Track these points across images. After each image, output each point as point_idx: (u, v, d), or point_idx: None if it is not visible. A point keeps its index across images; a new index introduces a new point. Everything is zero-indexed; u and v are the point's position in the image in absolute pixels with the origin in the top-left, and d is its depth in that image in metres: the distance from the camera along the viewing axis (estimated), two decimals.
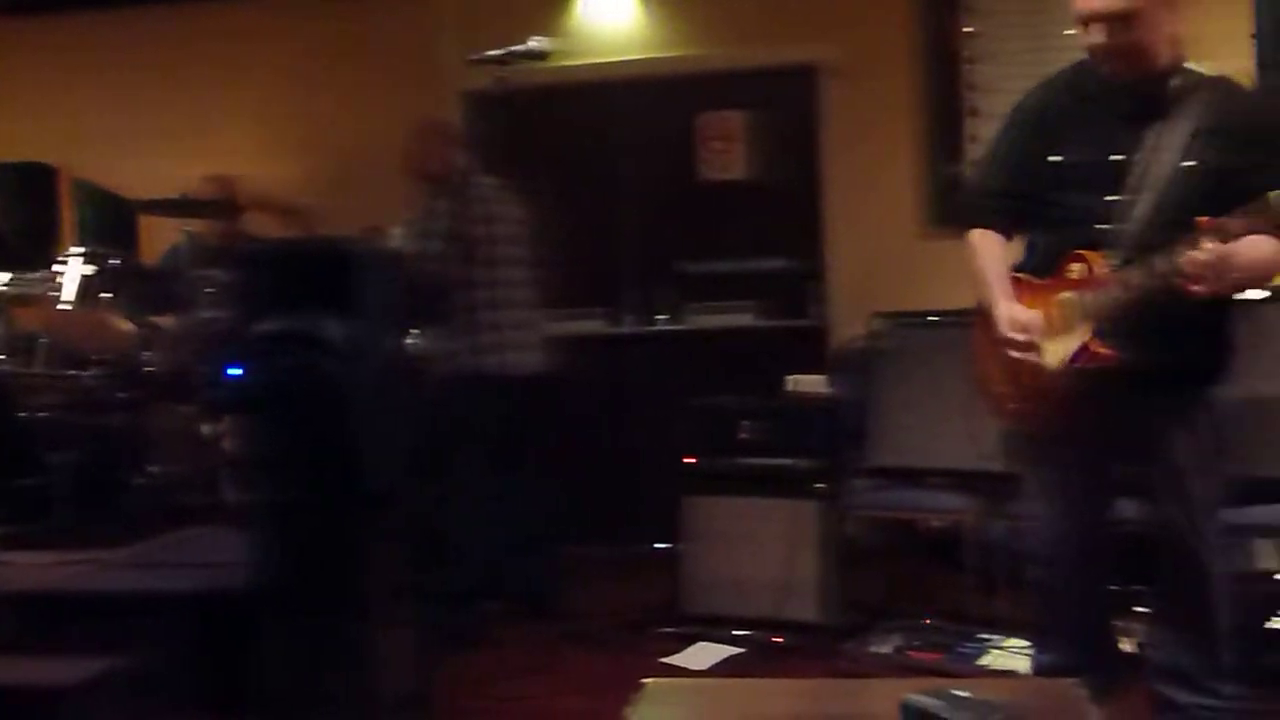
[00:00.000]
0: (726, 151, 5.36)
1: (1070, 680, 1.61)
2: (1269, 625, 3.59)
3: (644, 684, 1.64)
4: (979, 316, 2.93)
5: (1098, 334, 2.59)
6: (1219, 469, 2.77)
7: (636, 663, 3.79)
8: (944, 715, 1.41)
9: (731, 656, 3.82)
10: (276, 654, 3.02)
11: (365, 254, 3.37)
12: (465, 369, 3.95)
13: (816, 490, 4.00)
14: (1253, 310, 3.44)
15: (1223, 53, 4.74)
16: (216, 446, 4.20)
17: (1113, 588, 3.05)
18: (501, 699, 3.50)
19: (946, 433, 3.86)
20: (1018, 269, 2.83)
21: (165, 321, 4.34)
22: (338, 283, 3.24)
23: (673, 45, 5.32)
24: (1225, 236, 2.38)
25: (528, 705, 3.49)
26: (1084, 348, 2.61)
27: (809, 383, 4.30)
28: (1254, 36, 4.82)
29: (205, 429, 4.27)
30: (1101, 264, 2.59)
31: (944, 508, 3.91)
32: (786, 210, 5.32)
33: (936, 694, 1.46)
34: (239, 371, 3.26)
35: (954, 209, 4.84)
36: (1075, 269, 2.64)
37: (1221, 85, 2.66)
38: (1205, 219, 2.40)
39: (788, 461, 4.07)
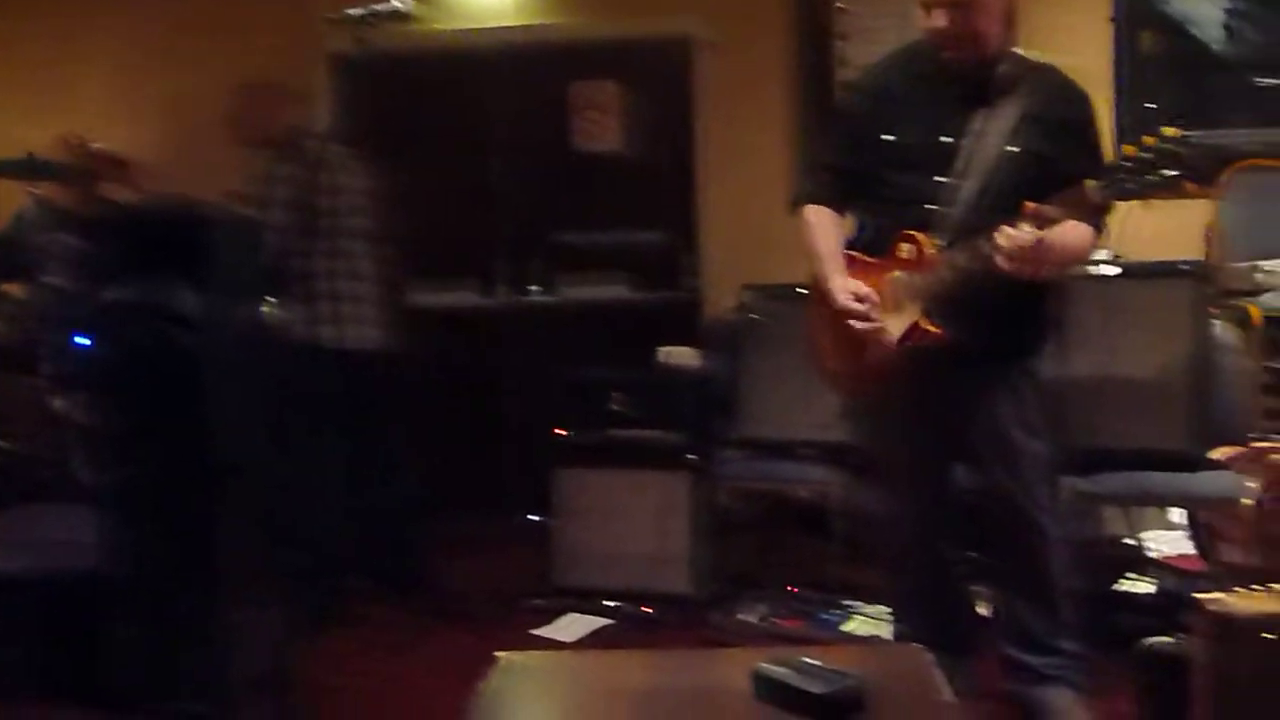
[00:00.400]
0: (600, 122, 5.32)
1: (921, 646, 1.64)
2: (1116, 588, 3.75)
3: (498, 658, 1.62)
4: (813, 293, 2.98)
5: (926, 313, 2.66)
6: (1046, 437, 2.89)
7: (505, 637, 3.76)
8: (793, 684, 1.42)
9: (601, 628, 3.83)
10: (128, 636, 2.92)
11: (221, 220, 3.25)
12: (301, 341, 3.83)
13: (687, 462, 4.02)
14: (1100, 288, 3.57)
15: (1081, 39, 4.94)
16: (67, 420, 4.02)
17: (970, 555, 3.15)
18: (364, 677, 3.44)
19: (814, 405, 3.90)
20: (850, 246, 2.89)
21: (11, 290, 4.14)
22: (192, 250, 3.12)
23: (547, 13, 5.24)
24: (1043, 222, 2.48)
25: (391, 683, 3.44)
26: (914, 326, 2.69)
27: (681, 355, 4.31)
28: (1112, 20, 4.98)
29: (56, 402, 4.09)
30: (930, 245, 2.67)
31: (811, 479, 3.96)
32: (660, 182, 5.31)
33: (787, 663, 1.47)
34: (88, 342, 3.13)
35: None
36: (905, 249, 2.72)
37: (1045, 73, 2.78)
38: (1029, 204, 2.50)
39: (659, 434, 4.08)
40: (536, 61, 5.30)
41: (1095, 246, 2.77)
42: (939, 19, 2.65)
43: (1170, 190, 2.46)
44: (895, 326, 2.74)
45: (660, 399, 4.10)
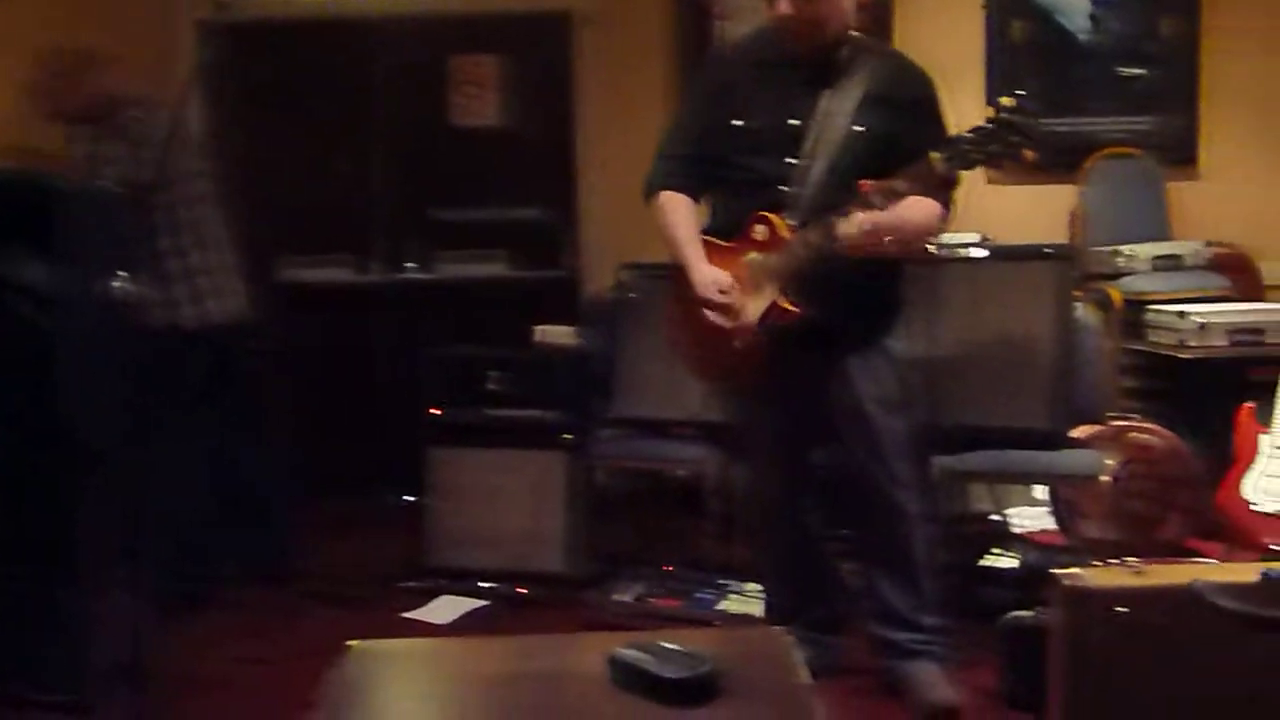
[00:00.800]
0: (480, 97, 5.23)
1: (781, 628, 1.63)
2: (982, 563, 3.84)
3: (349, 646, 1.57)
4: (671, 280, 3.00)
5: (783, 292, 2.69)
6: (905, 415, 2.94)
7: (378, 619, 3.70)
8: (648, 668, 1.40)
9: (475, 610, 3.78)
10: None
11: (73, 191, 3.11)
12: (162, 325, 3.67)
13: (563, 441, 3.99)
14: (967, 270, 3.64)
15: (954, 26, 5.02)
16: None
17: (837, 533, 3.19)
18: (229, 663, 3.34)
19: (691, 384, 3.88)
20: (705, 232, 2.91)
21: None
22: (42, 221, 2.98)
23: None
24: (880, 202, 2.54)
25: (258, 668, 3.35)
26: (772, 306, 2.73)
27: (558, 334, 4.27)
28: (984, 8, 5.07)
29: None
30: (783, 225, 2.71)
31: (688, 458, 3.96)
32: (540, 159, 5.26)
33: (644, 647, 1.45)
34: None
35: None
36: (759, 230, 2.77)
37: (885, 55, 2.90)
38: (864, 183, 2.58)
39: (535, 413, 4.04)
40: (415, 34, 5.19)
41: (944, 222, 2.81)
42: (784, 6, 2.72)
43: (1011, 158, 2.53)
44: (754, 308, 2.78)
45: (537, 378, 4.06)
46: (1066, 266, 3.64)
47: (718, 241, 2.87)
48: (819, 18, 2.73)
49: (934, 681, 2.94)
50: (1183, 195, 5.03)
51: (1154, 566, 2.22)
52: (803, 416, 2.97)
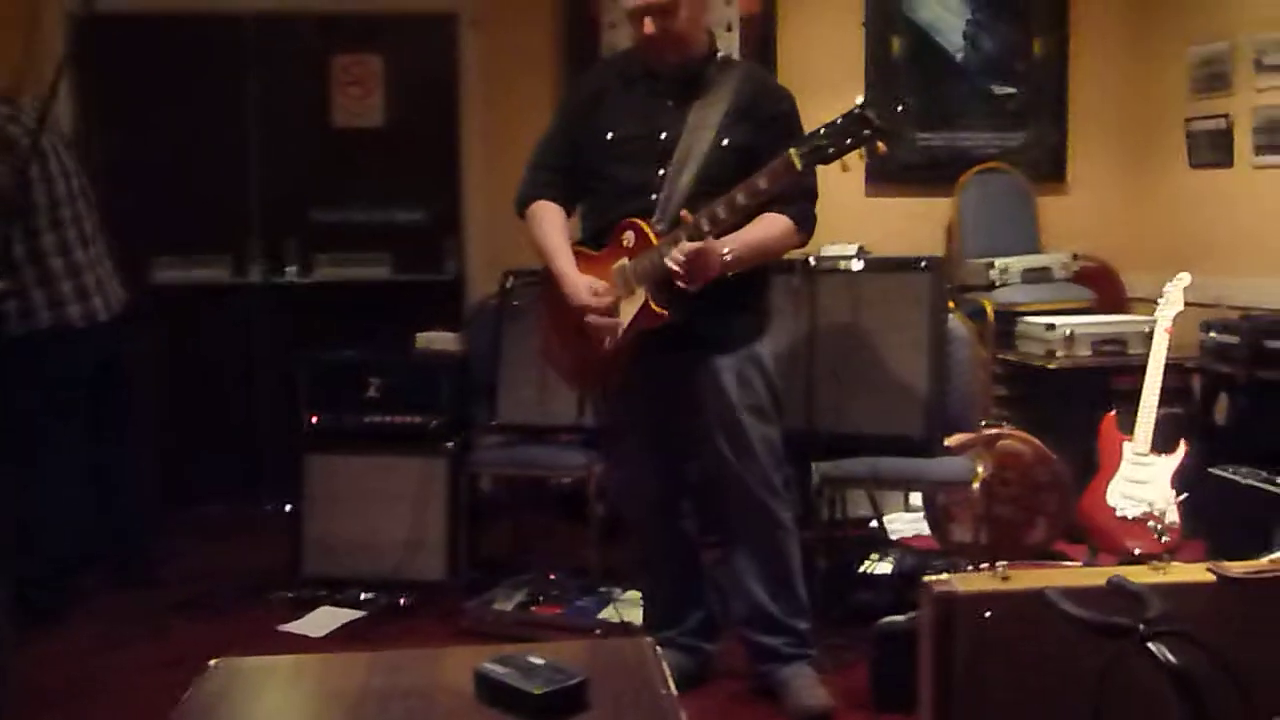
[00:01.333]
0: (363, 97, 5.15)
1: (650, 636, 1.63)
2: (860, 568, 3.90)
3: (209, 666, 1.52)
4: (541, 288, 3.02)
5: (653, 297, 2.73)
6: (776, 421, 2.99)
7: (252, 630, 3.61)
8: (513, 683, 1.38)
9: (353, 620, 3.71)
10: None
11: None
12: (44, 325, 3.55)
13: (444, 448, 3.94)
14: (845, 280, 3.70)
15: (835, 42, 5.11)
16: None
17: (709, 540, 3.20)
18: (91, 675, 3.22)
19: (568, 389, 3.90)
20: (576, 242, 2.97)
21: None
22: None
23: None
24: (705, 229, 2.62)
25: (121, 680, 3.23)
26: (643, 309, 2.78)
27: (441, 339, 4.23)
28: (864, 25, 5.17)
29: None
30: (649, 231, 2.78)
31: (569, 464, 3.94)
32: (424, 161, 5.19)
33: (509, 660, 1.43)
34: None
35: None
36: (627, 236, 2.82)
37: (747, 71, 2.98)
38: (684, 213, 2.68)
39: (416, 419, 3.99)
40: (296, 32, 5.08)
41: (802, 234, 2.88)
42: (647, 26, 2.80)
43: (866, 150, 2.59)
44: (625, 313, 2.82)
45: (417, 383, 4.01)
46: (940, 278, 3.73)
47: (588, 250, 2.93)
48: (681, 35, 2.83)
49: (808, 685, 2.97)
50: (1052, 209, 5.20)
51: (1018, 571, 2.28)
52: (674, 421, 3.00)
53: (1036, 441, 4.12)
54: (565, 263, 2.89)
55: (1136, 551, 3.66)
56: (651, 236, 2.77)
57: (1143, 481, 3.82)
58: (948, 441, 3.73)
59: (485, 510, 4.43)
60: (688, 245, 2.64)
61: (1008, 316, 4.68)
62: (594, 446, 3.89)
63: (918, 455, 3.57)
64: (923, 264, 3.71)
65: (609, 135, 2.90)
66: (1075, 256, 4.89)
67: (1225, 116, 4.64)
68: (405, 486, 3.93)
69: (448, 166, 5.14)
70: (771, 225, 2.81)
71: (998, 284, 4.75)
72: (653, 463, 3.03)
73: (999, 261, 4.77)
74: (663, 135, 2.85)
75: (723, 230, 2.69)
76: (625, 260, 2.82)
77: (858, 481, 3.65)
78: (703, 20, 2.91)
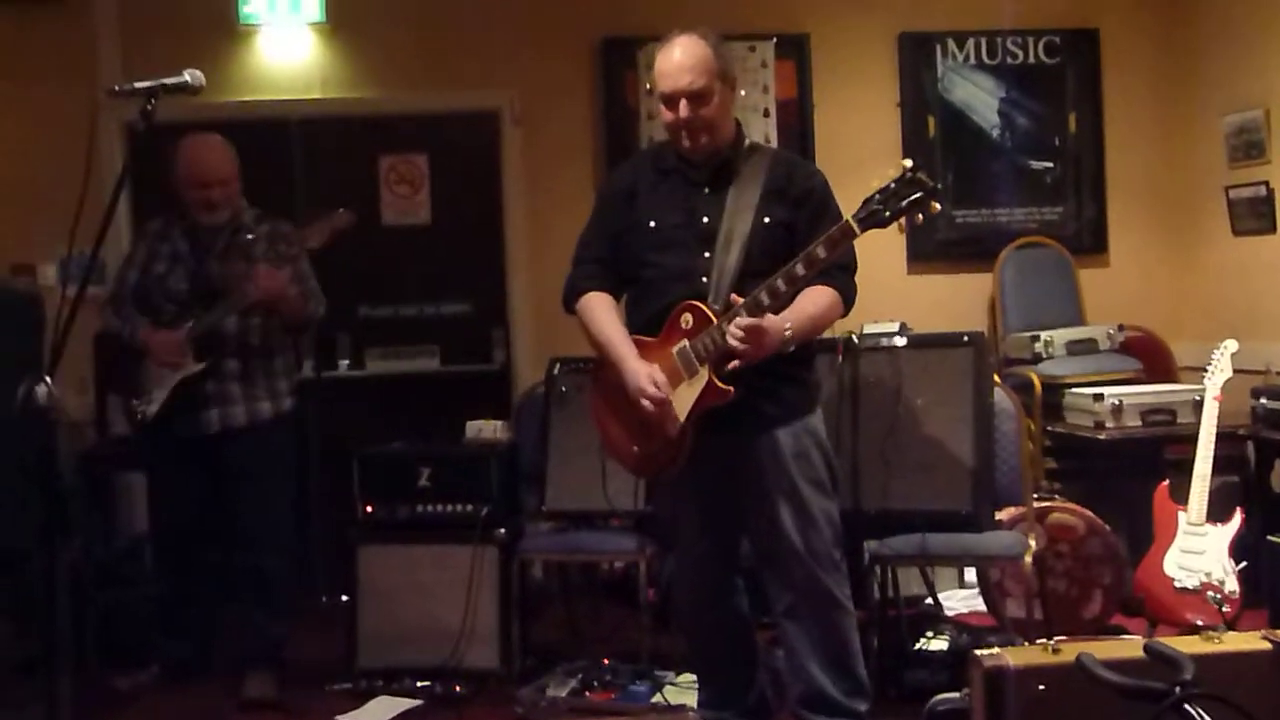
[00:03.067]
0: (410, 195, 5.31)
1: (709, 713, 1.66)
2: (915, 646, 3.88)
3: None
4: (596, 380, 3.11)
5: (717, 374, 2.81)
6: (831, 494, 3.04)
7: None
8: None
9: (409, 710, 3.73)
10: None
11: None
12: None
13: (495, 536, 3.97)
14: (889, 357, 3.73)
15: (873, 121, 5.21)
16: None
17: (763, 620, 3.21)
18: None
19: (621, 475, 3.91)
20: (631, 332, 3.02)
21: None
22: None
23: (354, 87, 5.23)
24: (762, 305, 2.73)
25: None
26: (709, 387, 2.83)
27: (490, 428, 4.29)
28: (900, 105, 5.27)
29: None
30: (709, 312, 2.85)
31: (620, 549, 3.98)
32: (470, 255, 5.33)
33: None
34: None
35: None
36: (685, 319, 2.89)
37: (776, 154, 3.10)
38: (734, 297, 2.78)
39: (467, 508, 4.02)
40: (344, 135, 5.27)
41: (845, 306, 2.95)
42: (682, 110, 2.89)
43: (919, 211, 2.70)
44: (687, 396, 2.85)
45: (468, 473, 4.05)
46: (984, 352, 3.75)
47: (643, 338, 2.98)
48: (712, 121, 2.93)
49: None
50: (1094, 281, 5.22)
51: (1071, 645, 2.28)
52: (729, 501, 3.03)
53: (1089, 513, 4.10)
54: (626, 349, 2.95)
55: (1198, 623, 3.61)
56: (711, 315, 2.84)
57: (1199, 552, 3.79)
58: (998, 515, 3.73)
59: (537, 597, 4.46)
60: (746, 320, 2.71)
61: (1054, 389, 4.68)
62: (643, 530, 3.93)
63: (967, 530, 3.57)
64: (965, 339, 3.74)
65: (651, 224, 2.99)
66: (1120, 327, 4.90)
67: (1265, 183, 4.67)
68: (457, 575, 3.95)
69: (493, 259, 5.27)
70: (820, 297, 2.88)
71: (1043, 357, 4.77)
72: (709, 544, 3.06)
73: (1044, 334, 4.80)
74: (704, 220, 2.94)
75: (780, 304, 2.77)
76: (685, 342, 2.87)
77: (908, 559, 3.65)
78: (731, 108, 3.01)
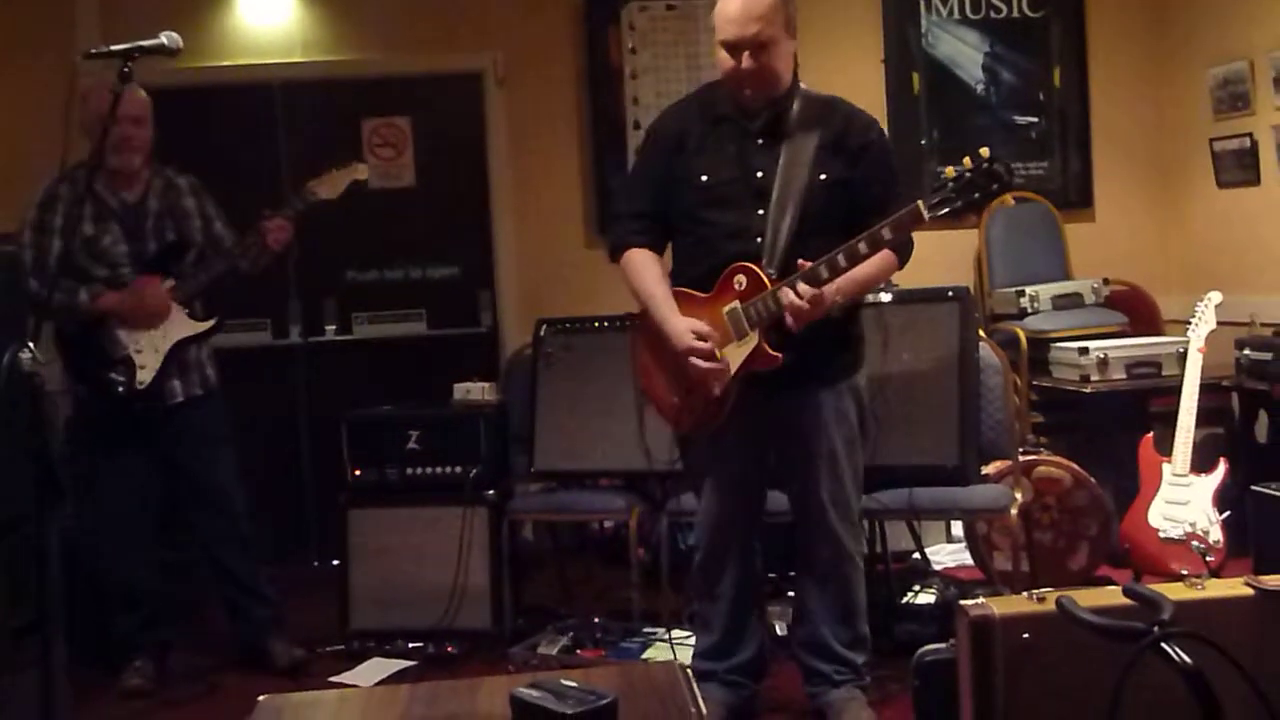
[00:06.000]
0: (394, 158, 5.28)
1: (679, 663, 1.67)
2: (904, 601, 3.91)
3: (258, 701, 1.58)
4: (640, 333, 3.06)
5: (767, 339, 2.78)
6: (861, 449, 3.06)
7: (305, 684, 3.66)
8: (548, 705, 1.43)
9: (402, 670, 3.76)
10: None
11: None
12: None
13: (485, 498, 4.00)
14: (875, 313, 3.73)
15: (856, 78, 5.18)
16: None
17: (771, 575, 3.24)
18: None
19: (612, 435, 3.95)
20: (674, 285, 2.98)
21: None
22: None
23: (337, 49, 5.18)
24: (821, 279, 2.65)
25: None
26: (757, 351, 2.80)
27: (478, 390, 4.30)
28: (884, 62, 5.24)
29: None
30: (763, 275, 2.79)
31: (610, 509, 4.00)
32: (455, 218, 5.31)
33: (544, 685, 1.48)
34: None
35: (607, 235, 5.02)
36: (739, 280, 2.83)
37: (833, 103, 2.99)
38: (802, 261, 2.71)
39: (456, 469, 4.04)
40: (326, 98, 5.23)
41: (900, 260, 2.92)
42: (744, 61, 2.81)
43: (989, 201, 2.69)
44: (735, 356, 2.85)
45: (457, 435, 4.07)
46: (969, 307, 3.76)
47: (694, 293, 2.93)
48: (770, 70, 2.84)
49: (855, 709, 3.00)
50: (1080, 236, 5.22)
51: (1056, 595, 2.29)
52: (763, 458, 3.05)
53: (1074, 466, 4.12)
54: (668, 309, 2.91)
55: (1184, 573, 3.64)
56: (765, 280, 2.79)
57: (1183, 502, 3.82)
58: (985, 470, 3.75)
59: (527, 558, 4.48)
60: (807, 290, 2.68)
61: (1040, 344, 4.70)
62: (633, 490, 3.95)
63: (954, 485, 3.59)
64: (951, 294, 3.74)
65: (703, 179, 2.91)
66: (1106, 281, 4.90)
67: (1249, 135, 4.66)
68: (448, 537, 3.97)
69: (479, 222, 5.26)
70: (882, 263, 2.84)
71: (1029, 312, 4.78)
72: (737, 500, 3.06)
73: (1029, 289, 4.80)
74: (758, 175, 2.87)
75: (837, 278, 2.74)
76: (737, 303, 2.84)
77: (895, 513, 3.67)
78: (791, 56, 2.91)
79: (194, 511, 3.82)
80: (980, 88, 5.26)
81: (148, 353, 3.63)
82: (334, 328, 5.25)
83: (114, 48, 2.65)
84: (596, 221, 5.19)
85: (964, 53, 5.26)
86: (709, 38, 5.20)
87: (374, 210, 5.23)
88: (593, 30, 5.17)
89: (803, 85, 2.97)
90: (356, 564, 4.06)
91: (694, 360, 2.84)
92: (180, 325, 3.67)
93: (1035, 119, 5.28)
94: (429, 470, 4.06)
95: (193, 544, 3.90)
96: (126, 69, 2.62)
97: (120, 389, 3.58)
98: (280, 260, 3.87)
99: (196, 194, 3.84)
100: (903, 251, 2.89)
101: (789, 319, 2.72)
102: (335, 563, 4.19)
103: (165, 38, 2.70)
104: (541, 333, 4.17)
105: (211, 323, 3.72)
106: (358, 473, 4.10)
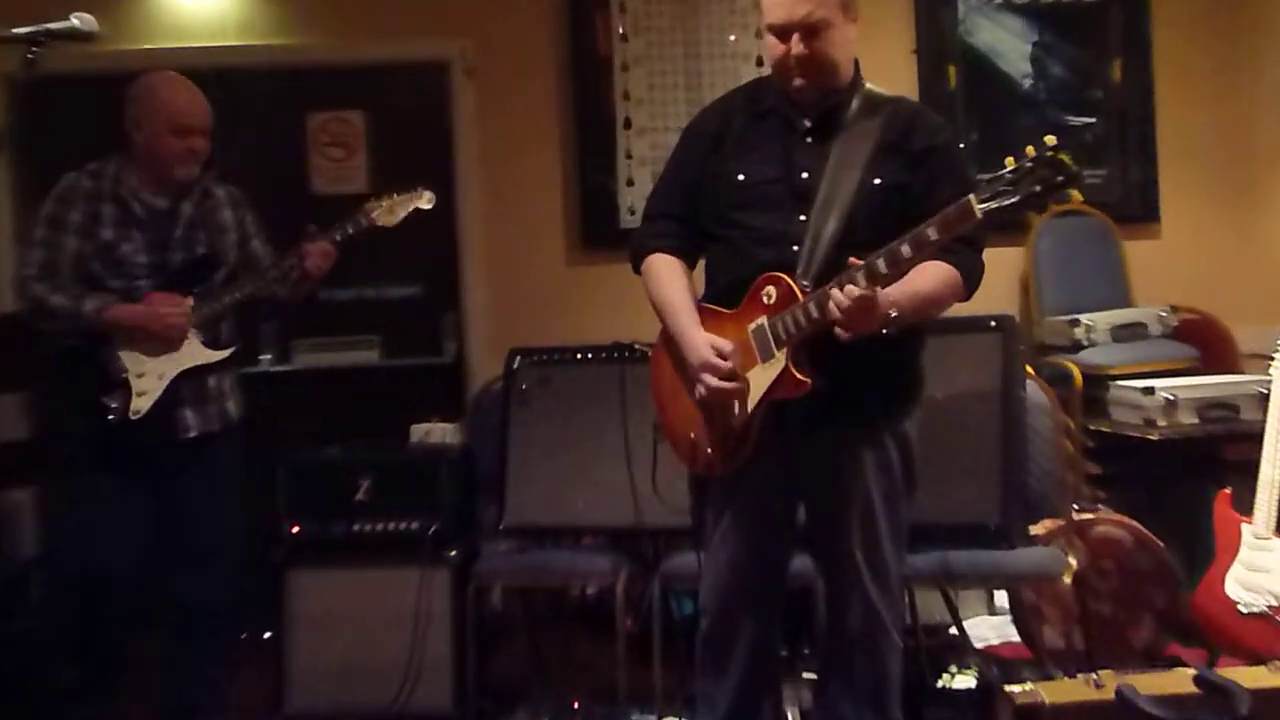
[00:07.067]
0: (344, 159, 5.28)
1: None
2: (939, 683, 3.89)
3: None
4: (660, 351, 3.07)
5: (796, 361, 2.74)
6: (904, 509, 3.01)
7: None
8: None
9: None
10: None
11: None
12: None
13: (447, 557, 3.99)
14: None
15: (884, 72, 5.19)
16: None
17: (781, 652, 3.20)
18: None
19: (597, 484, 3.95)
20: (703, 300, 2.99)
21: None
22: None
23: (279, 32, 5.19)
24: (874, 278, 2.61)
25: None
26: (783, 375, 2.76)
27: (439, 431, 4.29)
28: (915, 53, 5.27)
29: None
30: (795, 287, 2.76)
31: (594, 570, 3.97)
32: (416, 229, 5.24)
33: None
34: None
35: (610, 234, 5.02)
36: (767, 292, 2.81)
37: (899, 103, 2.99)
38: (854, 259, 2.65)
39: (413, 524, 4.03)
40: (267, 89, 5.24)
41: (968, 286, 2.88)
42: (794, 46, 2.82)
43: (1056, 199, 2.59)
44: (760, 381, 2.82)
45: (415, 483, 4.06)
46: (1014, 339, 3.75)
47: (719, 309, 2.93)
48: (830, 60, 2.85)
49: None
50: (1142, 255, 5.22)
51: (1116, 678, 2.27)
52: (793, 513, 3.02)
53: (1137, 525, 4.11)
54: (687, 320, 2.91)
55: (1266, 653, 3.62)
56: (798, 292, 2.77)
57: (1266, 570, 3.80)
58: (1032, 529, 3.73)
59: (496, 627, 4.45)
60: (858, 291, 2.61)
61: (1097, 381, 4.69)
62: (621, 549, 3.93)
63: (996, 546, 3.58)
64: (993, 323, 3.74)
65: (739, 177, 2.92)
66: (1173, 309, 4.90)
67: None
68: (403, 603, 3.96)
69: (443, 234, 5.23)
70: (937, 276, 2.79)
71: (1084, 344, 4.77)
72: (757, 556, 3.02)
73: (1084, 318, 4.80)
74: (803, 175, 2.87)
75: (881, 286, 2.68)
76: (764, 319, 2.82)
77: (927, 580, 3.65)
78: (851, 45, 2.92)
79: (179, 565, 3.75)
80: (1026, 83, 5.28)
81: (150, 378, 3.61)
82: (269, 356, 5.24)
83: (16, 31, 2.65)
84: (580, 234, 5.19)
85: (1007, 42, 5.28)
86: (712, 22, 5.27)
87: (320, 219, 5.20)
88: (577, 14, 5.19)
89: (868, 84, 2.98)
90: (294, 634, 4.05)
91: (705, 377, 2.83)
92: (192, 352, 3.66)
93: (1091, 119, 5.29)
94: (380, 525, 4.05)
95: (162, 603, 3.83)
96: (32, 55, 2.62)
97: (111, 416, 3.56)
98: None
99: (236, 206, 3.87)
100: (969, 271, 2.86)
101: (839, 319, 2.64)
102: (268, 635, 4.16)
103: (77, 19, 2.70)
104: (515, 364, 4.17)
105: (228, 351, 3.73)
106: (296, 528, 4.08)
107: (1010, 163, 2.56)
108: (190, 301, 3.64)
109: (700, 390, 2.86)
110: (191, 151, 3.66)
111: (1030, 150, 2.54)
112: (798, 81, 2.88)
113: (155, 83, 3.69)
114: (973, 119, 5.24)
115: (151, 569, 3.79)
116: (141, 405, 3.57)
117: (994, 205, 2.55)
